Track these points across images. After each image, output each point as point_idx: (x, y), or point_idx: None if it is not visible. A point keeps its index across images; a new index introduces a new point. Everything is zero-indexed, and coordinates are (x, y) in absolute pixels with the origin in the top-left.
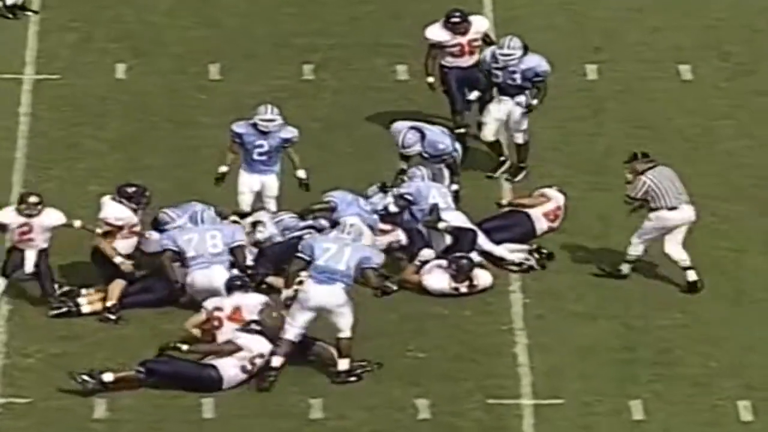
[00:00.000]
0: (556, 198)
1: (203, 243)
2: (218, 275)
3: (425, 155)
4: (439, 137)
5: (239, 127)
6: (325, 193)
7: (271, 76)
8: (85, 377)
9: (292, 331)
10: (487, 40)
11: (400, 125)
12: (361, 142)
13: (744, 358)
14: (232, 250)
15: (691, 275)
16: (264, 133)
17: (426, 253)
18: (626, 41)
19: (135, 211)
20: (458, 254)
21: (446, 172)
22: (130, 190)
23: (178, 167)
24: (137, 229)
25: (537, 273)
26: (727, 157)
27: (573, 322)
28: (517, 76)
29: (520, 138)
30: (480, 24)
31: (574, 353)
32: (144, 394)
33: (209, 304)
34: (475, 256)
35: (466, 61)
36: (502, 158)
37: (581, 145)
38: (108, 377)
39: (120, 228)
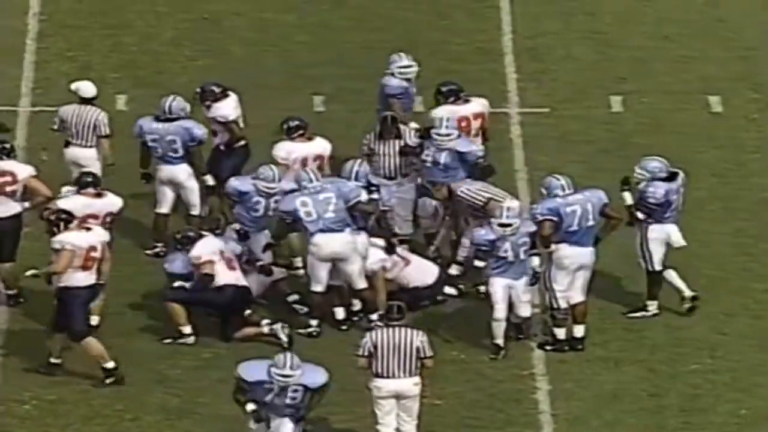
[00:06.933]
0: None
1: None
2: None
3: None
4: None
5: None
6: None
7: (280, 107)
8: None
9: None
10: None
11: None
12: None
13: None
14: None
15: None
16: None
17: None
18: (653, 71)
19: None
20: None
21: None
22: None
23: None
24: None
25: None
26: (759, 193)
27: (597, 367)
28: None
29: None
30: (222, 109)
31: (598, 400)
32: None
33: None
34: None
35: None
36: None
37: (606, 180)
38: None
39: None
